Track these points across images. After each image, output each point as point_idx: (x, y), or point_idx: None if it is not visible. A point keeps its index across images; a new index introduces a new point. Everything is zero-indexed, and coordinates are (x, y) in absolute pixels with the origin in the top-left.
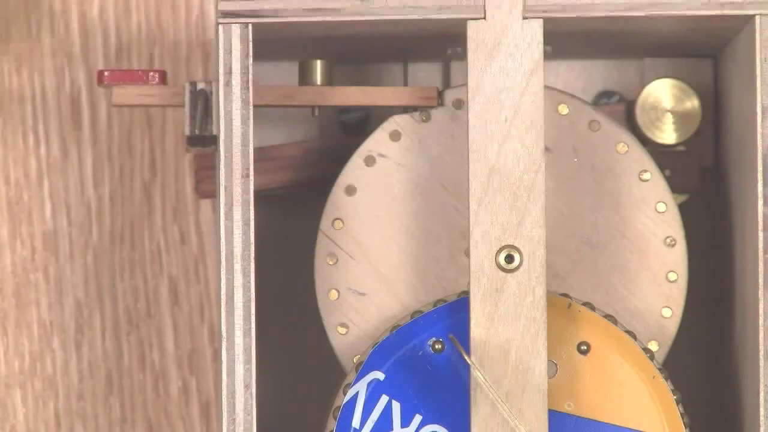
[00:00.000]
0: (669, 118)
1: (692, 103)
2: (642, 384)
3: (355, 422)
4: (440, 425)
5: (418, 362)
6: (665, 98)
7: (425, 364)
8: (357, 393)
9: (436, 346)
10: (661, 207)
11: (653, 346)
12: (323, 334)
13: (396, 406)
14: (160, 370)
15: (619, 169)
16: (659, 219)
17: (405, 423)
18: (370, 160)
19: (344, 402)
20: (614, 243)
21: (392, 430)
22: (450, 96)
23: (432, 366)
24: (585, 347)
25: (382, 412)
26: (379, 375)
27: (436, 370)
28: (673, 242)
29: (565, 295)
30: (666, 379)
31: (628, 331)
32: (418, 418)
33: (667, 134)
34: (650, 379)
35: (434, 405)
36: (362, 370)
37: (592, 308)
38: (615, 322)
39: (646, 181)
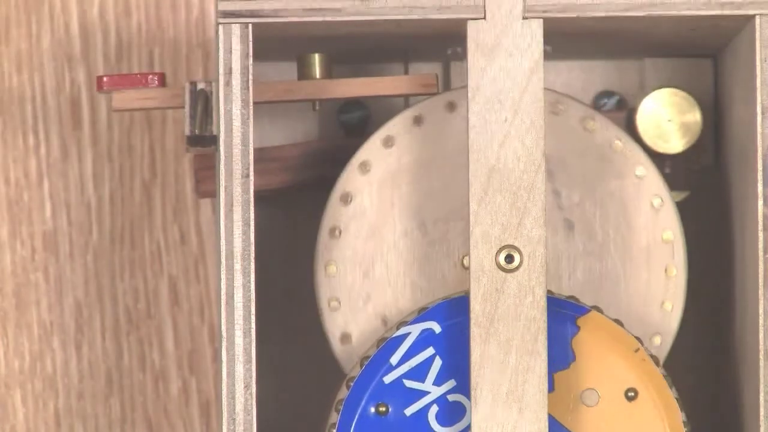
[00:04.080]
0: (671, 128)
1: (694, 114)
2: None
3: (394, 359)
4: (468, 399)
5: None
6: (667, 109)
7: None
8: (409, 334)
9: None
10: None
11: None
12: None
13: (437, 363)
14: (160, 370)
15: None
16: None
17: (438, 382)
18: (334, 231)
19: (393, 335)
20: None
21: (424, 382)
22: (379, 135)
23: None
24: (632, 394)
25: (422, 362)
26: (436, 327)
27: None
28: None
29: (639, 340)
30: None
31: (677, 398)
32: (451, 383)
33: (670, 144)
34: None
35: None
36: (423, 315)
37: (657, 363)
38: (671, 384)
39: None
